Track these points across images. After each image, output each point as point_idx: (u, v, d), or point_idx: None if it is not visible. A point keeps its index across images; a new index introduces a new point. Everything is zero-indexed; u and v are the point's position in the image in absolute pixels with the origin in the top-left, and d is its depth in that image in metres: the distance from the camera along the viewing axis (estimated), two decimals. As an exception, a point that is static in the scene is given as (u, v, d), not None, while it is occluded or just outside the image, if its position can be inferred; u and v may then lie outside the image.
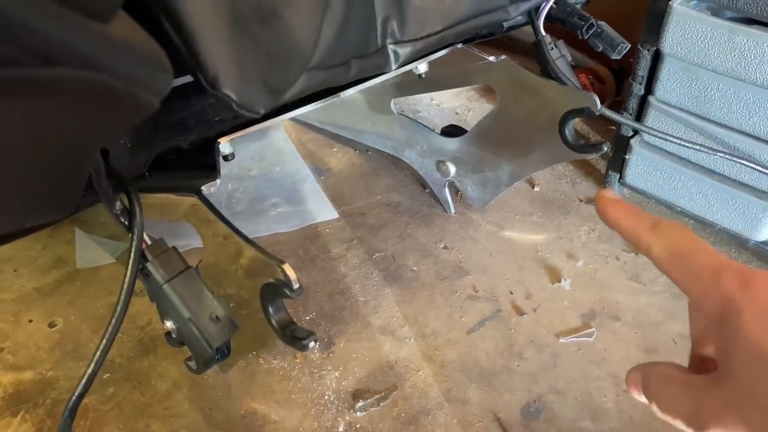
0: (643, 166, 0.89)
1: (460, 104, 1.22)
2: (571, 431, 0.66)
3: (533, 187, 1.01)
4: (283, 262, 0.47)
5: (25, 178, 0.33)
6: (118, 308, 0.46)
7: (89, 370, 0.45)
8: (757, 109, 0.75)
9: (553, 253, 0.89)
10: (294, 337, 0.49)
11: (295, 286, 0.47)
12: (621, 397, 0.69)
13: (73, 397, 0.47)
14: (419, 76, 0.78)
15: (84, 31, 0.21)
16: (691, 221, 0.92)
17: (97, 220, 0.93)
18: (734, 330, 0.29)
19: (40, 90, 0.21)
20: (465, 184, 0.91)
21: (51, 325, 0.77)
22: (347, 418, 0.67)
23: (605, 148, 0.73)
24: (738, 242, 0.88)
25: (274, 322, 0.50)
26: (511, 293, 0.83)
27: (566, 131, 0.75)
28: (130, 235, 0.46)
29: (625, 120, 0.78)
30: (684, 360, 0.70)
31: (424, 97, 1.22)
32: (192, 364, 0.63)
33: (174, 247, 0.49)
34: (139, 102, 0.27)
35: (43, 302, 0.81)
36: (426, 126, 0.92)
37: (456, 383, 0.71)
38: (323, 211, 0.95)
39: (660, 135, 0.77)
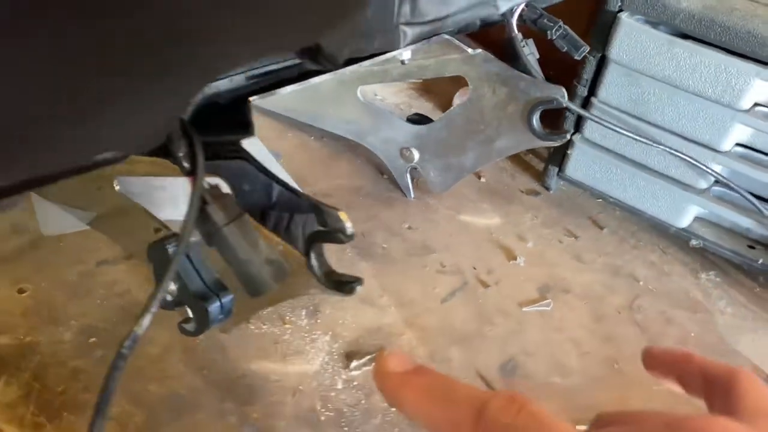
0: (583, 160, 1.00)
1: (401, 101, 1.29)
2: (545, 386, 0.74)
3: (479, 179, 1.10)
4: (338, 210, 0.50)
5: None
6: (181, 244, 0.47)
7: (152, 308, 0.45)
8: (686, 112, 0.88)
9: (506, 236, 0.97)
10: (341, 281, 0.52)
11: (349, 231, 0.50)
12: (581, 357, 0.78)
13: (130, 339, 0.47)
14: (402, 62, 0.84)
15: None
16: (620, 211, 1.05)
17: (49, 189, 0.89)
18: None
19: None
20: (428, 169, 0.97)
21: (20, 291, 0.74)
22: (344, 376, 0.70)
23: (568, 136, 0.82)
24: (660, 229, 1.01)
25: (318, 270, 0.53)
26: (475, 268, 0.90)
27: (533, 120, 0.83)
28: (193, 177, 0.47)
29: (590, 115, 0.88)
30: (627, 326, 0.82)
31: (368, 92, 1.28)
32: (189, 326, 0.64)
33: (229, 194, 0.50)
34: None
35: (4, 269, 0.76)
36: (392, 113, 0.97)
37: (438, 345, 0.77)
38: (289, 190, 0.97)
39: (609, 125, 0.88)
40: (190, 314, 0.69)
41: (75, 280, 0.76)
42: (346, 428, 0.65)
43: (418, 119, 0.96)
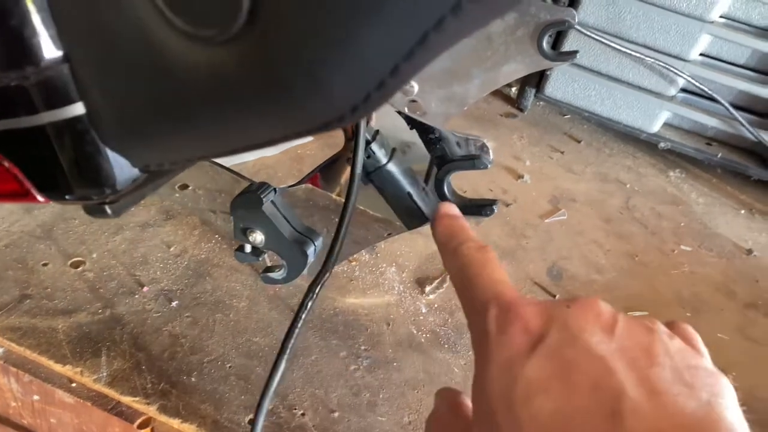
0: (563, 79, 1.07)
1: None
2: (589, 283, 0.82)
3: (460, 106, 1.14)
4: (480, 137, 0.53)
5: None
6: (353, 187, 0.47)
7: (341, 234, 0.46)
8: (659, 27, 0.97)
9: (504, 157, 1.04)
10: (479, 205, 0.55)
11: (492, 157, 0.52)
12: (606, 255, 0.87)
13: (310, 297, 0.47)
14: None
15: None
16: (588, 125, 1.14)
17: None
18: (480, 375, 0.26)
19: None
20: (428, 101, 1.00)
21: (74, 266, 0.69)
22: (423, 301, 0.74)
23: (576, 56, 0.88)
24: (627, 137, 1.12)
25: (451, 197, 0.55)
26: (491, 190, 0.96)
27: (543, 42, 0.88)
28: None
29: (592, 34, 0.94)
30: (631, 224, 0.93)
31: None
32: (276, 274, 0.65)
33: (378, 130, 0.51)
34: None
35: (44, 244, 0.70)
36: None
37: (490, 262, 0.82)
38: (296, 134, 0.96)
39: (601, 39, 0.96)
40: (269, 262, 0.69)
41: (127, 248, 0.72)
42: (446, 345, 0.69)
43: (417, 51, 0.97)
